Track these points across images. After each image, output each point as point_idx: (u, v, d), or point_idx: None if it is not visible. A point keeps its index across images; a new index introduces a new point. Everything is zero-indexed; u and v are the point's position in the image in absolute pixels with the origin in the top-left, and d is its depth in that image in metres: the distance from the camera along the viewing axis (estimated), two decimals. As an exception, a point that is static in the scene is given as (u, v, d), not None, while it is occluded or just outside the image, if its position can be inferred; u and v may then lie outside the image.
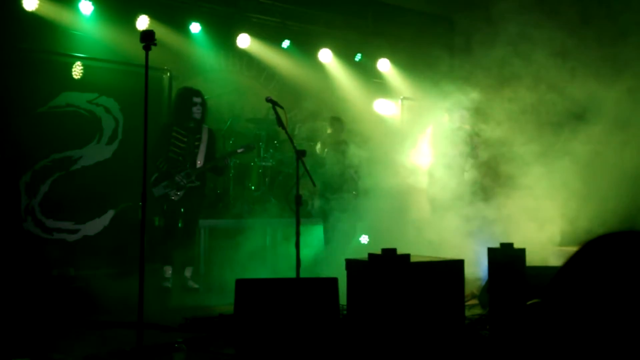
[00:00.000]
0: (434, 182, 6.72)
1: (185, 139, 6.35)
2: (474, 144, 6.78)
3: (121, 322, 4.66)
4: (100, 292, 5.41)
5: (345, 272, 3.98)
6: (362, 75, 9.75)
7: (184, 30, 8.20)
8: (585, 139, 6.09)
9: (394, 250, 3.78)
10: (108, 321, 4.75)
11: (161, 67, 7.63)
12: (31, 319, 4.70)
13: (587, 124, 6.15)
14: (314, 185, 5.48)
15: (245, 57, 9.15)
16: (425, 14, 9.74)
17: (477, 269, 5.59)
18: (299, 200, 4.89)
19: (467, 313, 4.62)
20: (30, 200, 6.72)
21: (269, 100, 5.18)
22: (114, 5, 7.54)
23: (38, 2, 6.94)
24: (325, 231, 7.25)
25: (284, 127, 5.10)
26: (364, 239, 7.28)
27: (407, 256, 3.81)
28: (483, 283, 5.42)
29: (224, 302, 5.18)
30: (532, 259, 4.76)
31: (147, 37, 3.81)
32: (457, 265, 4.15)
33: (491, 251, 4.47)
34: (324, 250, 7.15)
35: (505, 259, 4.39)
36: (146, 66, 3.86)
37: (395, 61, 9.84)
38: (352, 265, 4.00)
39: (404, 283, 3.76)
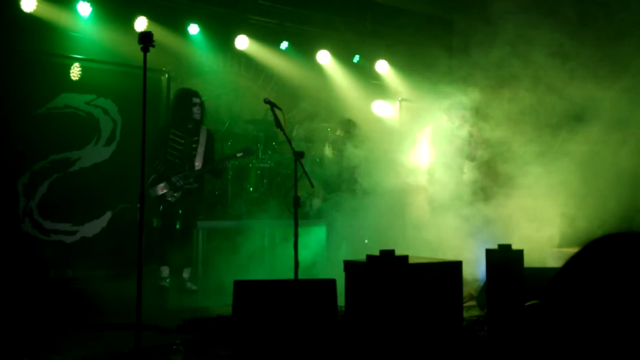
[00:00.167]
0: (433, 183, 6.72)
1: (183, 141, 6.34)
2: (473, 144, 6.79)
3: (119, 324, 4.65)
4: (98, 293, 5.40)
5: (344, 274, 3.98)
6: (360, 77, 9.75)
7: (182, 31, 8.20)
8: (583, 140, 6.09)
9: (392, 251, 3.78)
10: (106, 323, 4.74)
11: (159, 68, 7.63)
12: (29, 320, 4.69)
13: (585, 124, 6.15)
14: (312, 186, 5.47)
15: (243, 58, 9.15)
16: (424, 15, 9.73)
17: (475, 270, 5.59)
18: (297, 202, 4.88)
19: (465, 314, 4.62)
20: (29, 201, 6.71)
21: (267, 101, 5.17)
22: (112, 6, 7.53)
23: (36, 3, 6.94)
24: (329, 233, 7.24)
25: (282, 129, 5.10)
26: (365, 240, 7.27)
27: (405, 257, 3.81)
28: (481, 284, 5.42)
29: (222, 303, 5.18)
30: (531, 259, 4.76)
31: (146, 39, 3.81)
32: (455, 267, 4.15)
33: (489, 252, 4.48)
34: (324, 251, 7.13)
35: (503, 260, 4.40)
36: (144, 67, 3.86)
37: (393, 62, 9.84)
38: (350, 266, 3.99)
39: (402, 284, 3.75)
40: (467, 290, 5.30)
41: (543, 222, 6.10)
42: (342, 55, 9.62)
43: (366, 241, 7.08)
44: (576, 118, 6.27)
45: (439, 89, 6.58)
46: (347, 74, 9.66)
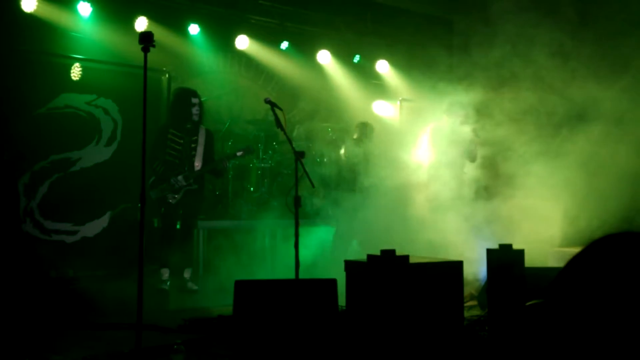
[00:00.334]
0: (434, 183, 6.72)
1: (182, 141, 6.27)
2: (473, 144, 6.78)
3: (120, 324, 4.65)
4: (99, 293, 5.40)
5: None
6: (360, 77, 9.76)
7: (182, 31, 8.21)
8: (584, 139, 6.09)
9: (393, 251, 3.78)
10: (106, 322, 4.74)
11: (160, 68, 7.63)
12: (29, 320, 4.69)
13: (587, 124, 6.15)
14: (313, 186, 5.47)
15: (244, 58, 9.16)
16: (424, 15, 9.74)
17: (476, 269, 5.59)
18: (297, 202, 4.88)
19: (466, 314, 4.62)
20: (29, 201, 6.71)
21: (267, 101, 5.16)
22: (113, 6, 7.54)
23: (37, 3, 6.94)
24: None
25: (282, 129, 5.09)
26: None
27: (406, 257, 3.81)
28: (482, 284, 5.41)
29: (223, 303, 5.17)
30: (532, 259, 4.76)
31: (146, 39, 3.80)
32: (456, 266, 4.15)
33: (490, 252, 4.47)
34: (327, 251, 7.12)
35: (504, 260, 4.39)
36: (145, 67, 3.86)
37: (393, 62, 9.84)
38: (351, 266, 3.99)
39: (403, 284, 3.75)
40: (468, 290, 5.29)
41: (544, 221, 6.10)
42: (343, 55, 9.62)
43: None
44: (577, 117, 6.27)
45: (440, 89, 6.58)
46: (347, 74, 9.67)
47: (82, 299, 5.34)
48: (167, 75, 7.81)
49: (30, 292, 5.33)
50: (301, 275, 4.73)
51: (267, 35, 9.04)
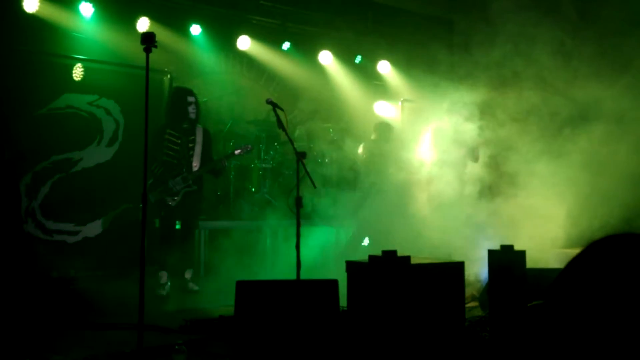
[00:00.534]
0: (436, 183, 6.72)
1: (179, 141, 6.21)
2: (474, 145, 6.78)
3: (121, 324, 4.65)
4: (100, 293, 5.41)
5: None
6: (362, 77, 9.76)
7: (184, 32, 8.22)
8: (586, 139, 6.08)
9: (395, 252, 3.78)
10: (108, 323, 4.74)
11: (162, 69, 7.64)
12: (31, 320, 4.69)
13: (589, 123, 6.13)
14: (314, 186, 5.46)
15: (245, 59, 9.16)
16: (425, 15, 9.75)
17: (478, 270, 5.58)
18: (299, 202, 4.88)
19: (468, 315, 4.62)
20: (31, 202, 6.72)
21: (269, 102, 5.16)
22: (115, 7, 7.55)
23: (38, 4, 6.95)
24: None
25: (284, 129, 5.09)
26: (366, 241, 7.27)
27: (408, 258, 3.81)
28: (484, 285, 5.41)
29: (224, 303, 5.16)
30: (534, 260, 4.75)
31: (148, 39, 3.81)
32: (457, 267, 4.15)
33: (491, 253, 4.47)
34: (330, 252, 7.12)
35: (505, 261, 4.39)
36: (147, 68, 3.86)
37: (395, 63, 9.84)
38: (352, 267, 3.99)
39: (405, 285, 3.75)
40: (469, 290, 5.29)
41: (547, 221, 6.09)
42: (344, 55, 9.63)
43: (367, 243, 7.09)
44: (579, 117, 6.26)
45: (441, 89, 6.57)
46: (349, 74, 9.67)
47: (83, 299, 5.34)
48: (169, 76, 7.81)
49: (31, 292, 5.34)
50: (302, 276, 4.73)
51: (269, 36, 9.05)
